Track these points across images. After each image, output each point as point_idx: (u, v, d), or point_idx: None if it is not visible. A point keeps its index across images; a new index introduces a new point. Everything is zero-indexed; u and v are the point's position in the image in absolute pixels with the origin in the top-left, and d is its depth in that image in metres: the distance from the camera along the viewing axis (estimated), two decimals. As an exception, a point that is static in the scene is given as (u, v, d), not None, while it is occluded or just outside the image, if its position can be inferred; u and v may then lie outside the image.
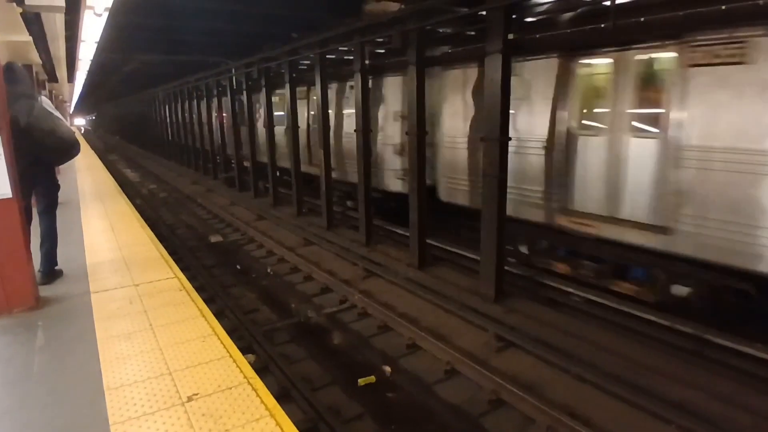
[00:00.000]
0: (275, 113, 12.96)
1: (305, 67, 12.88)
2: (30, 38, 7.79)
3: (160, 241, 6.31)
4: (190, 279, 4.82)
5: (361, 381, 4.98)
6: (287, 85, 11.23)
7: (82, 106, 44.63)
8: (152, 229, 6.96)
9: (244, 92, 14.04)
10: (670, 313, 5.52)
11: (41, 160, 4.40)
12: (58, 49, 9.36)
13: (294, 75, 11.28)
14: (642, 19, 5.33)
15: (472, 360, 5.03)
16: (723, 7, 4.67)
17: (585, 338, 5.30)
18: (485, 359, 5.13)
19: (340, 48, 9.14)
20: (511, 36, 5.81)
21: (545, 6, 6.67)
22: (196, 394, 2.65)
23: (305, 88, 12.06)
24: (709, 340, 5.02)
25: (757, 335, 4.91)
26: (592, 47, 5.94)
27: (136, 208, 8.58)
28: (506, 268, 6.59)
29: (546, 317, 5.81)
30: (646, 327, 5.52)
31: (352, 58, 8.82)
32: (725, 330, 5.05)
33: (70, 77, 15.73)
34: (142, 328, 3.47)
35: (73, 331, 3.50)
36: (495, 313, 5.95)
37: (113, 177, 12.87)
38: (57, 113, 4.46)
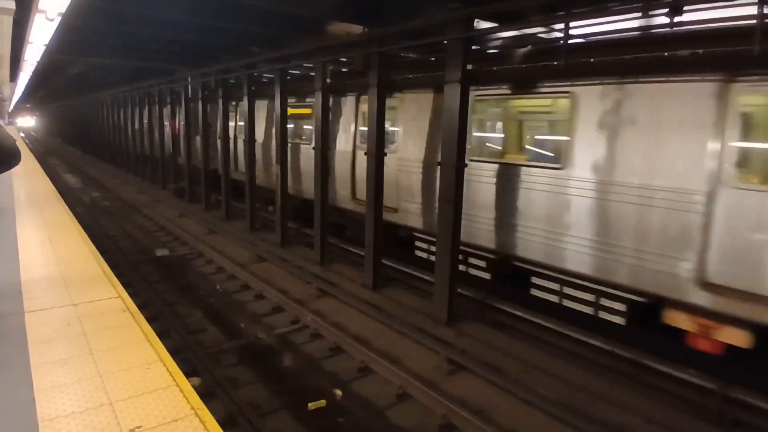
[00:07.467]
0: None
1: (266, 81, 12.75)
2: (-30, 35, 7.31)
3: (102, 254, 6.01)
4: (132, 296, 4.60)
5: (311, 405, 4.89)
6: (245, 98, 11.08)
7: (24, 106, 42.14)
8: (94, 241, 6.62)
9: (200, 101, 13.72)
10: (613, 339, 5.76)
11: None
12: (2, 47, 8.82)
13: (253, 88, 11.13)
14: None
15: (423, 383, 5.05)
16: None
17: (531, 362, 5.45)
18: (436, 383, 5.16)
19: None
20: (469, 66, 6.00)
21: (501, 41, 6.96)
22: (139, 427, 2.52)
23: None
24: (647, 365, 5.28)
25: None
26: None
27: (77, 218, 8.14)
28: (459, 290, 6.70)
29: (494, 341, 5.93)
30: (590, 352, 5.73)
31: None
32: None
33: (13, 77, 14.84)
34: (81, 353, 3.28)
35: (4, 355, 3.26)
36: (447, 336, 6.01)
37: (53, 183, 12.16)
38: (-3, 120, 4.21)
